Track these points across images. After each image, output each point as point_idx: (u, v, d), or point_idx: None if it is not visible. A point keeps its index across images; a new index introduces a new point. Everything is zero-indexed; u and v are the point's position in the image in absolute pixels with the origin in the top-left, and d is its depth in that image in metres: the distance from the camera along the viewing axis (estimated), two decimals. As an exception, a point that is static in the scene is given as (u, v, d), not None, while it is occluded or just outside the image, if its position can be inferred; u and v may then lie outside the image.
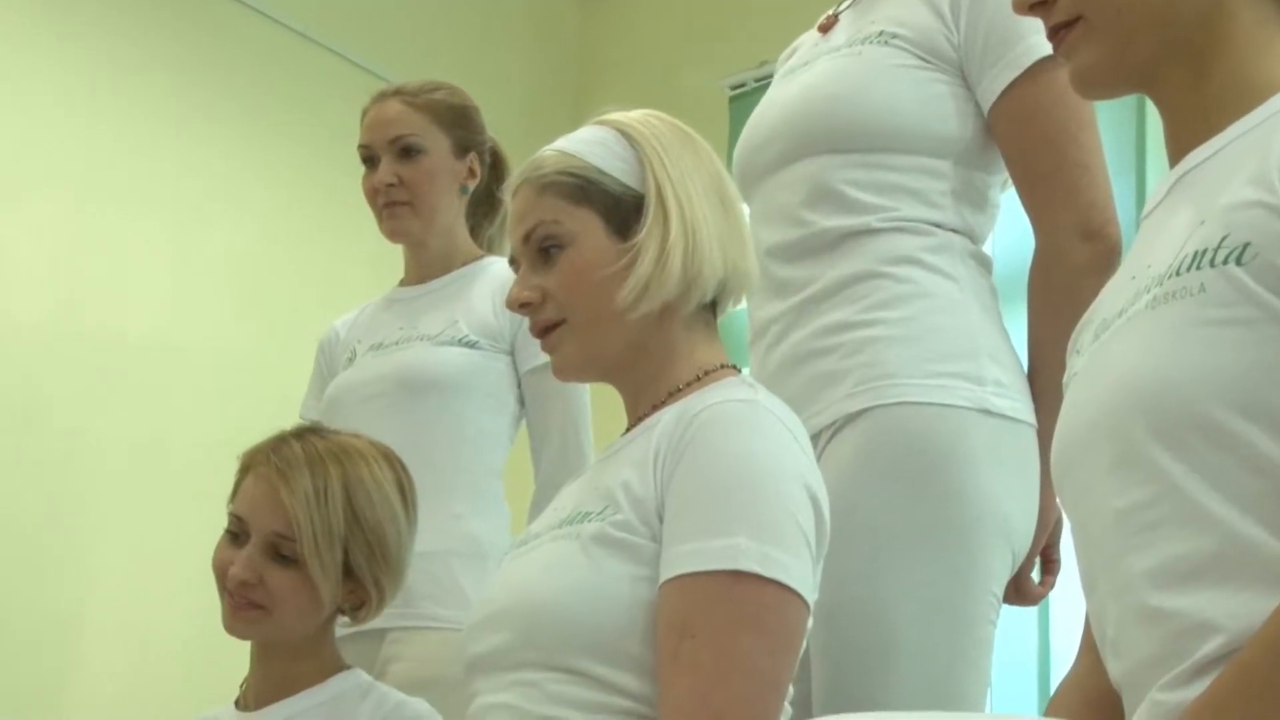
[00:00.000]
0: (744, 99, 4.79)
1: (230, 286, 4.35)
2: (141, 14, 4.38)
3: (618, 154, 1.98)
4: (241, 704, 2.37)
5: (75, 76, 4.24)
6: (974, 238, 2.32)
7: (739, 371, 2.01)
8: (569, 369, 2.04)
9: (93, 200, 4.23)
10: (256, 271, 4.37)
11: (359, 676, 2.38)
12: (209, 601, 2.33)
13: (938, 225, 2.26)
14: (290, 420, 2.50)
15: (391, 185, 2.94)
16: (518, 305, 2.00)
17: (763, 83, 4.56)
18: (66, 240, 4.17)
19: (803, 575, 1.78)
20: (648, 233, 1.92)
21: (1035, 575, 2.33)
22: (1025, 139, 2.23)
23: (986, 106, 2.25)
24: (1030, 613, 3.45)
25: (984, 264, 2.33)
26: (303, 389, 3.15)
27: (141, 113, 4.33)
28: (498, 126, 3.12)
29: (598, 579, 1.83)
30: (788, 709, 1.82)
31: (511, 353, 2.96)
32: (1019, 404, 2.17)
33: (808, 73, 2.39)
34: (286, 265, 4.36)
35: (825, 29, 2.46)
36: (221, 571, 2.29)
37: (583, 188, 1.96)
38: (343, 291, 3.39)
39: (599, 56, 5.41)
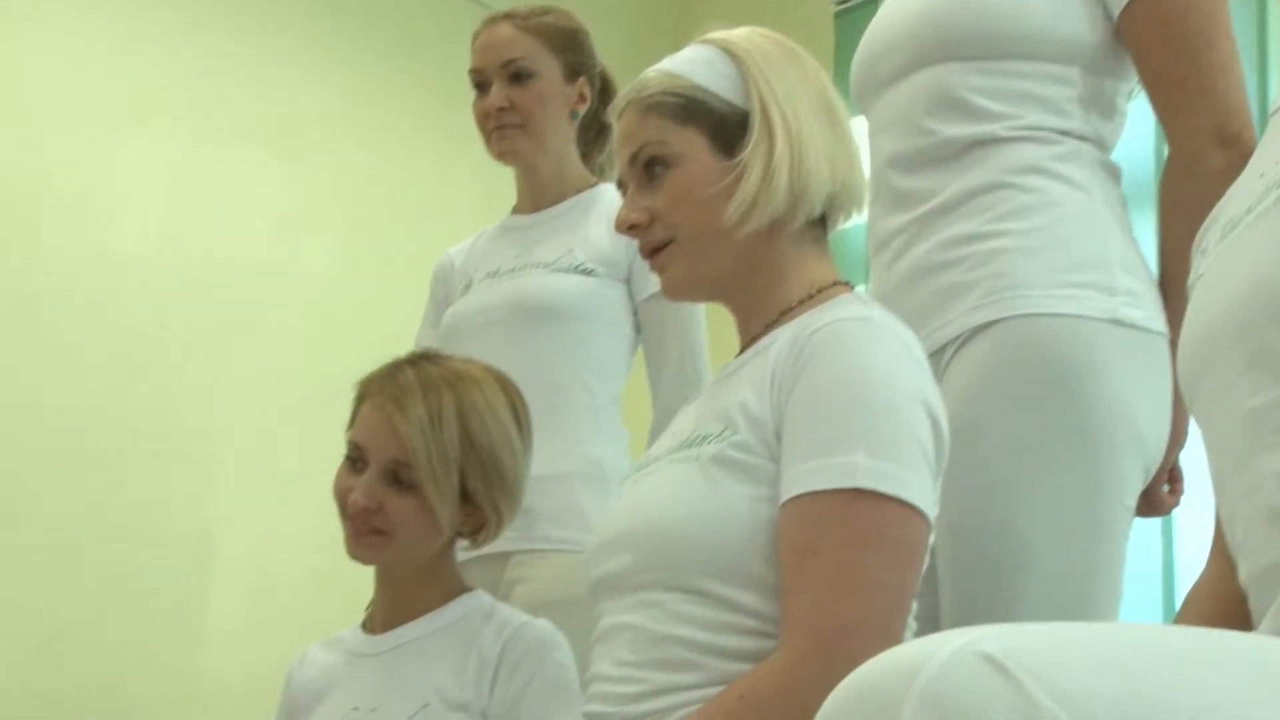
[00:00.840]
0: (850, 15, 4.72)
1: (340, 217, 4.38)
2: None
3: (722, 72, 1.96)
4: (368, 627, 2.41)
5: (185, 13, 4.26)
6: (1103, 146, 2.27)
7: (851, 288, 1.99)
8: (677, 288, 2.03)
9: (204, 135, 4.27)
10: (366, 202, 4.39)
11: (482, 599, 2.40)
12: (332, 528, 2.35)
13: (1066, 133, 2.22)
14: (403, 348, 2.50)
15: (502, 109, 2.94)
16: (626, 227, 2.00)
17: (865, 1, 4.52)
18: (178, 175, 4.22)
19: (922, 491, 1.78)
20: (753, 149, 1.91)
21: (1162, 486, 2.30)
22: (1159, 43, 2.18)
23: (1116, 10, 2.20)
24: (1154, 524, 3.41)
25: (1113, 173, 2.28)
26: (414, 317, 3.16)
27: (250, 47, 4.36)
28: (601, 51, 3.11)
29: (718, 500, 1.83)
30: (912, 624, 1.82)
31: (627, 280, 2.97)
32: (1151, 314, 2.14)
33: None
34: (396, 195, 4.37)
35: None
36: (342, 498, 2.32)
37: (687, 107, 1.95)
38: (452, 221, 3.39)
39: None
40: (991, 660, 1.07)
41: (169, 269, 4.16)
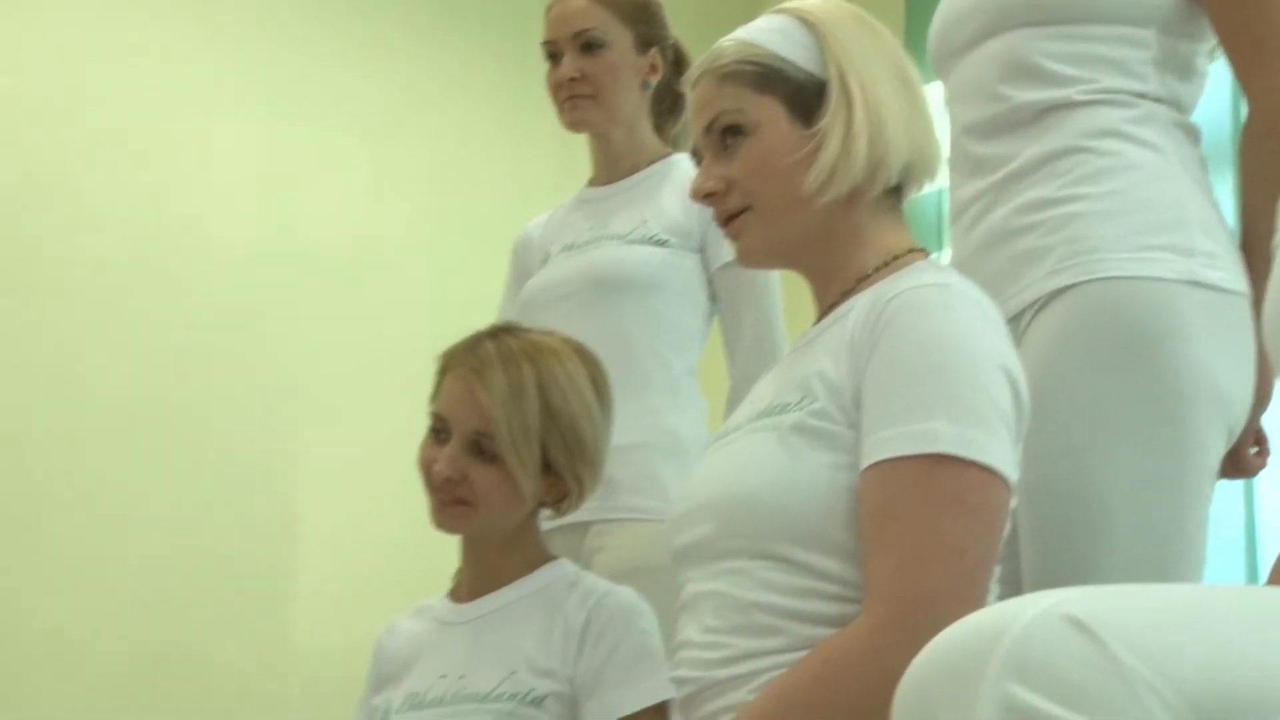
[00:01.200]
0: None
1: (424, 196, 4.41)
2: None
3: (798, 40, 1.96)
4: (455, 596, 2.43)
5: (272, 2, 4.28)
6: (1180, 107, 2.26)
7: (928, 255, 1.99)
8: (753, 255, 2.04)
9: (290, 116, 4.30)
10: (446, 178, 4.42)
11: (566, 567, 2.41)
12: (417, 499, 2.37)
13: (1141, 96, 2.21)
14: (484, 321, 2.51)
15: (574, 79, 2.95)
16: (702, 196, 2.00)
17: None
18: (266, 154, 4.25)
19: (1002, 455, 1.78)
20: (831, 118, 1.91)
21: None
22: (1234, 2, 2.16)
23: None
24: (1236, 487, 3.39)
25: (1191, 134, 2.27)
26: (496, 290, 3.18)
27: (333, 29, 4.38)
28: (673, 22, 3.11)
29: (797, 468, 1.84)
30: (995, 587, 1.82)
31: (701, 250, 2.96)
32: (1230, 275, 2.12)
33: None
34: (475, 170, 4.39)
35: None
36: (427, 469, 2.34)
37: (764, 75, 1.95)
38: (530, 195, 3.40)
39: None
40: (1075, 621, 1.09)
41: (257, 247, 4.21)
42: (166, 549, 3.94)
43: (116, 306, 3.96)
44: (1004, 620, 1.13)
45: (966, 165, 2.30)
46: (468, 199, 4.35)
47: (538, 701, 2.26)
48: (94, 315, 3.93)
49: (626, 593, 2.36)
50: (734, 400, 2.79)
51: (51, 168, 3.94)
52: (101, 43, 4.04)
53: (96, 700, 3.80)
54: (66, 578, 3.82)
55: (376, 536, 3.97)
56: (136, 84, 4.08)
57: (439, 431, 2.34)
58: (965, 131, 2.30)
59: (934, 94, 2.25)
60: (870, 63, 1.95)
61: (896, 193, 2.00)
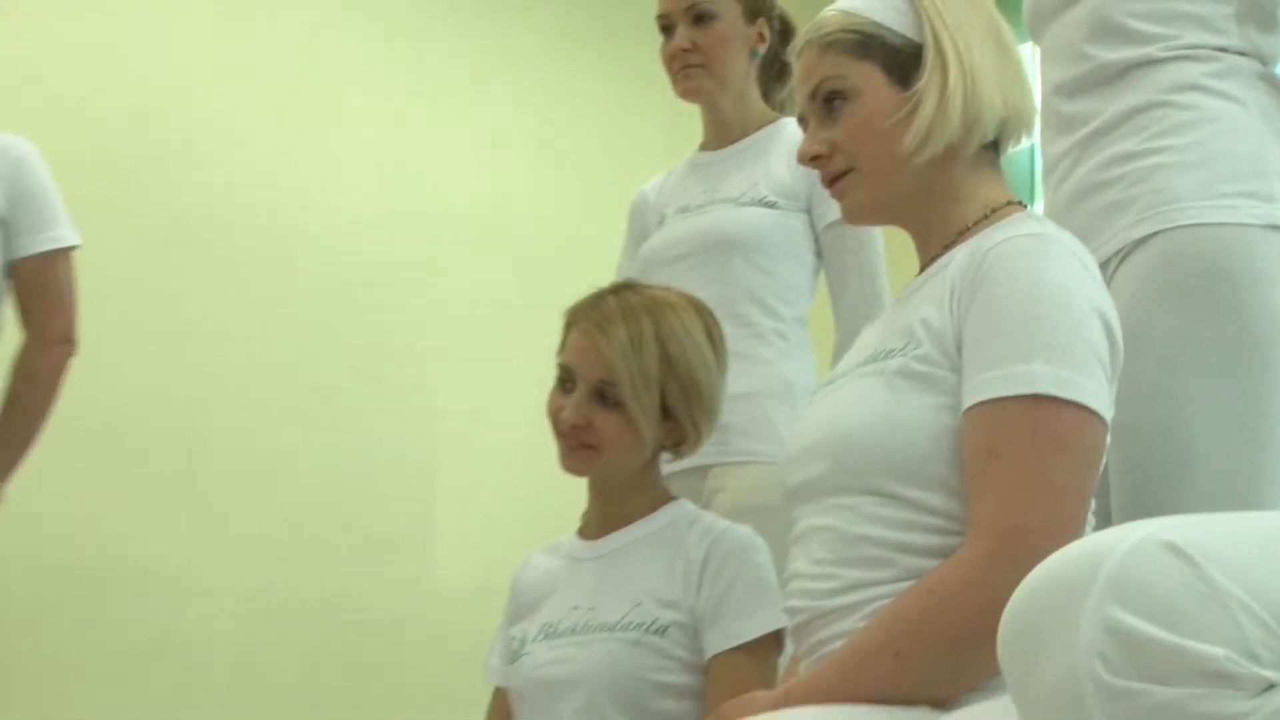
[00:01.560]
0: None
1: (542, 161, 4.40)
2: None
3: (895, 7, 1.95)
4: (584, 534, 2.47)
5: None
6: (1263, 59, 2.21)
7: (1025, 207, 1.98)
8: (858, 213, 2.03)
9: (413, 89, 4.31)
10: (563, 145, 4.41)
11: (686, 507, 2.45)
12: (546, 445, 2.41)
13: (1222, 50, 2.17)
14: (604, 279, 2.54)
15: (686, 50, 2.95)
16: (808, 159, 2.00)
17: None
18: (390, 126, 4.26)
19: (1099, 395, 1.77)
20: (928, 80, 1.90)
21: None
22: None
23: None
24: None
25: (1273, 85, 2.21)
26: (611, 250, 3.19)
27: (454, 11, 4.38)
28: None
29: (903, 409, 1.84)
30: (1091, 519, 1.82)
31: (808, 210, 2.96)
32: None
33: None
34: (591, 138, 4.39)
35: None
36: (555, 417, 2.39)
37: (864, 43, 1.94)
38: (642, 159, 3.41)
39: None
40: (1172, 547, 1.11)
41: (387, 211, 4.22)
42: (315, 498, 3.99)
43: (261, 269, 4.00)
44: (1104, 548, 1.15)
45: (1056, 123, 2.29)
46: (583, 165, 4.35)
47: (662, 630, 2.29)
48: (241, 278, 3.97)
49: (743, 530, 2.40)
50: (840, 350, 2.81)
51: (197, 140, 3.96)
52: (240, 24, 4.07)
53: (255, 638, 3.85)
54: (225, 526, 3.87)
55: (509, 481, 3.99)
56: (268, 64, 4.11)
57: (566, 381, 2.39)
58: (1055, 90, 2.29)
59: (1029, 55, 2.25)
60: (965, 26, 1.94)
61: (994, 148, 2.00)
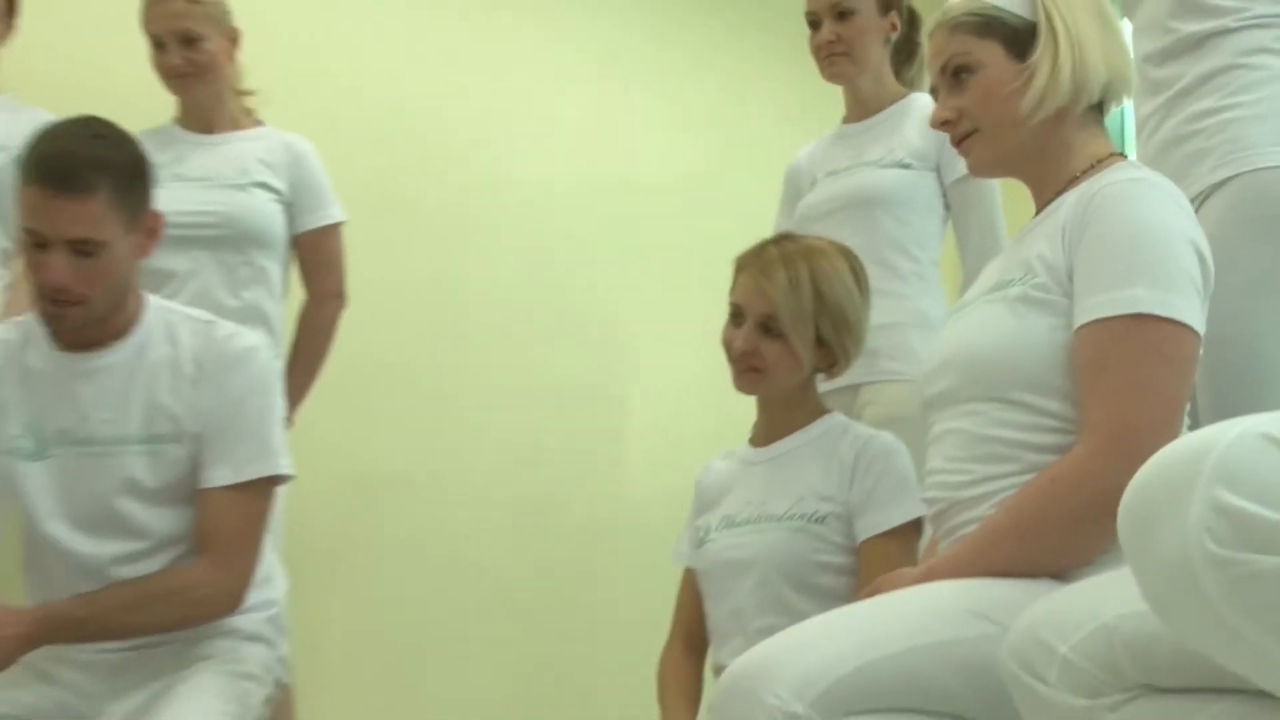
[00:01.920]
0: None
1: (714, 137, 4.39)
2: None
3: None
4: (754, 443, 2.49)
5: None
6: None
7: (1125, 158, 1.96)
8: (982, 167, 2.02)
9: (604, 77, 4.30)
10: (729, 122, 4.38)
11: (839, 418, 2.46)
12: (722, 371, 2.44)
13: None
14: (763, 233, 2.55)
15: (831, 42, 2.96)
16: (939, 123, 2.00)
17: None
18: (584, 110, 4.26)
19: (1193, 313, 1.76)
20: (1041, 53, 1.89)
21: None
22: None
23: None
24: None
25: None
26: (766, 208, 3.19)
27: (639, 7, 4.38)
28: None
29: (1023, 328, 1.84)
30: (1186, 420, 1.79)
31: (937, 169, 2.95)
32: None
33: None
34: (752, 116, 4.36)
35: None
36: (727, 346, 2.41)
37: (986, 24, 1.93)
38: (791, 132, 3.39)
39: None
40: (1270, 438, 1.11)
41: (587, 186, 4.22)
42: (535, 421, 4.02)
43: (486, 229, 4.03)
44: (1209, 440, 1.14)
45: (1146, 87, 2.25)
46: (745, 137, 4.32)
47: (821, 519, 2.31)
48: (470, 240, 4.00)
49: (887, 436, 2.40)
50: (966, 284, 2.77)
51: (432, 127, 3.99)
52: (452, 22, 4.09)
53: (492, 534, 3.90)
54: (469, 444, 3.93)
55: (690, 401, 3.97)
56: (481, 59, 4.10)
57: (736, 317, 2.41)
58: (1145, 59, 2.25)
59: (1127, 28, 2.24)
60: (1073, 5, 1.92)
61: (1098, 109, 1.97)
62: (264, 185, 3.04)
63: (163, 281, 2.87)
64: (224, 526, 2.25)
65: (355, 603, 3.62)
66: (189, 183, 2.98)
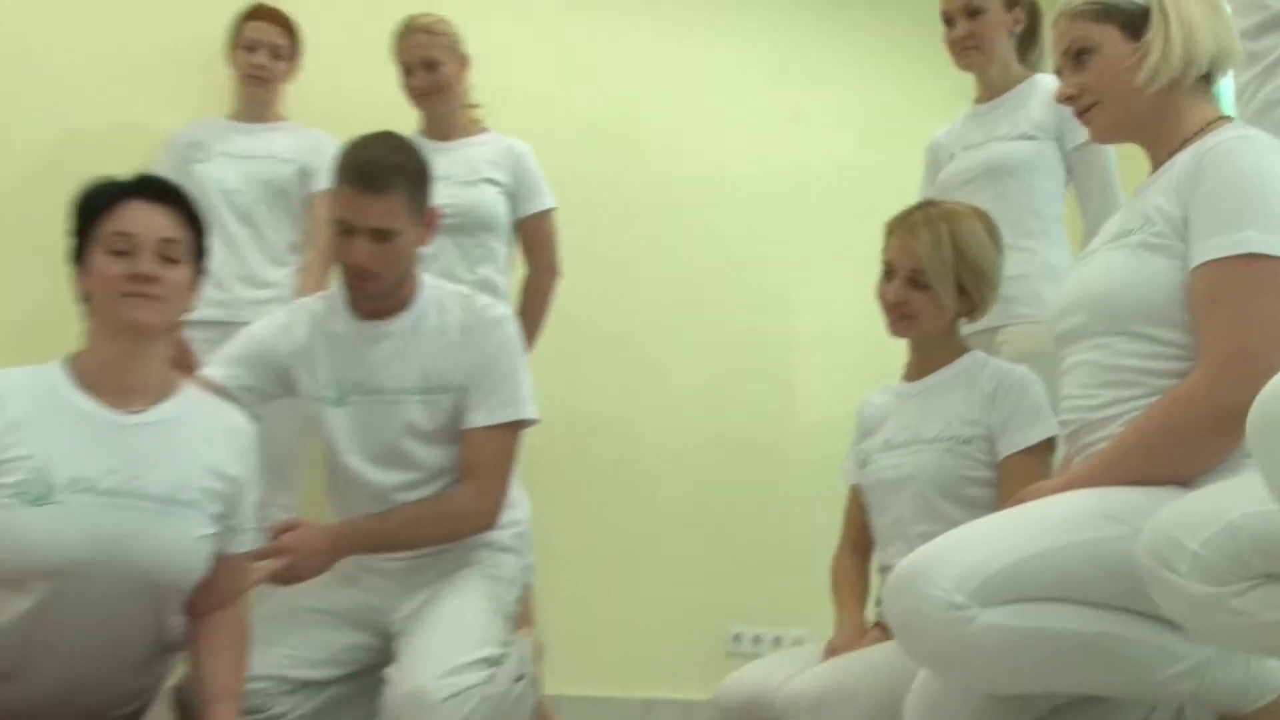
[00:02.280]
0: None
1: (862, 125, 4.31)
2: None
3: None
4: (906, 378, 2.47)
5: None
6: None
7: (1232, 120, 1.90)
8: (1103, 134, 1.97)
9: (777, 81, 4.26)
10: (875, 113, 4.30)
11: (980, 355, 2.44)
12: (877, 319, 2.42)
13: None
14: (903, 202, 2.52)
15: (964, 37, 2.91)
16: (1064, 99, 1.96)
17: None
18: (760, 111, 4.22)
19: None
20: (1154, 33, 1.84)
21: None
22: None
23: None
24: None
25: None
26: (911, 184, 3.13)
27: (801, 22, 4.32)
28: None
29: (1144, 269, 1.80)
30: None
31: (1058, 139, 2.87)
32: None
33: None
34: (897, 106, 4.27)
35: None
36: (881, 298, 2.40)
37: (1104, 11, 1.88)
38: (930, 116, 3.32)
39: None
40: None
41: (768, 172, 4.20)
42: (715, 367, 4.02)
43: (671, 211, 4.03)
44: None
45: (1244, 61, 2.18)
46: (892, 125, 4.23)
47: (967, 441, 2.30)
48: (660, 218, 4.02)
49: (1022, 368, 2.38)
50: (1087, 239, 2.73)
51: (627, 128, 4.01)
52: (660, 43, 4.10)
53: (683, 463, 3.94)
54: (661, 385, 3.96)
55: (847, 348, 3.90)
56: (677, 67, 4.11)
57: (889, 273, 2.39)
58: (1241, 35, 2.17)
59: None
60: None
61: (1207, 79, 1.90)
62: (490, 181, 3.13)
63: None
64: (482, 460, 2.37)
65: (576, 521, 3.67)
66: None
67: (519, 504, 2.55)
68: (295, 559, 2.26)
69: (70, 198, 2.06)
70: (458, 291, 2.48)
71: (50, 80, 3.22)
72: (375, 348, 2.39)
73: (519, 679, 2.33)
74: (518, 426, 2.40)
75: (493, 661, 2.23)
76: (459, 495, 2.37)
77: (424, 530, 2.35)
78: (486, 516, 2.38)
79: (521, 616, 2.54)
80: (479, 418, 2.36)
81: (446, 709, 2.09)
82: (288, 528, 2.30)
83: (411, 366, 2.37)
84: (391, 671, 2.19)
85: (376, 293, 2.36)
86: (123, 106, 3.28)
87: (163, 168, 3.04)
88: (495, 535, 2.44)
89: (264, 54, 3.19)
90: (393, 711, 2.14)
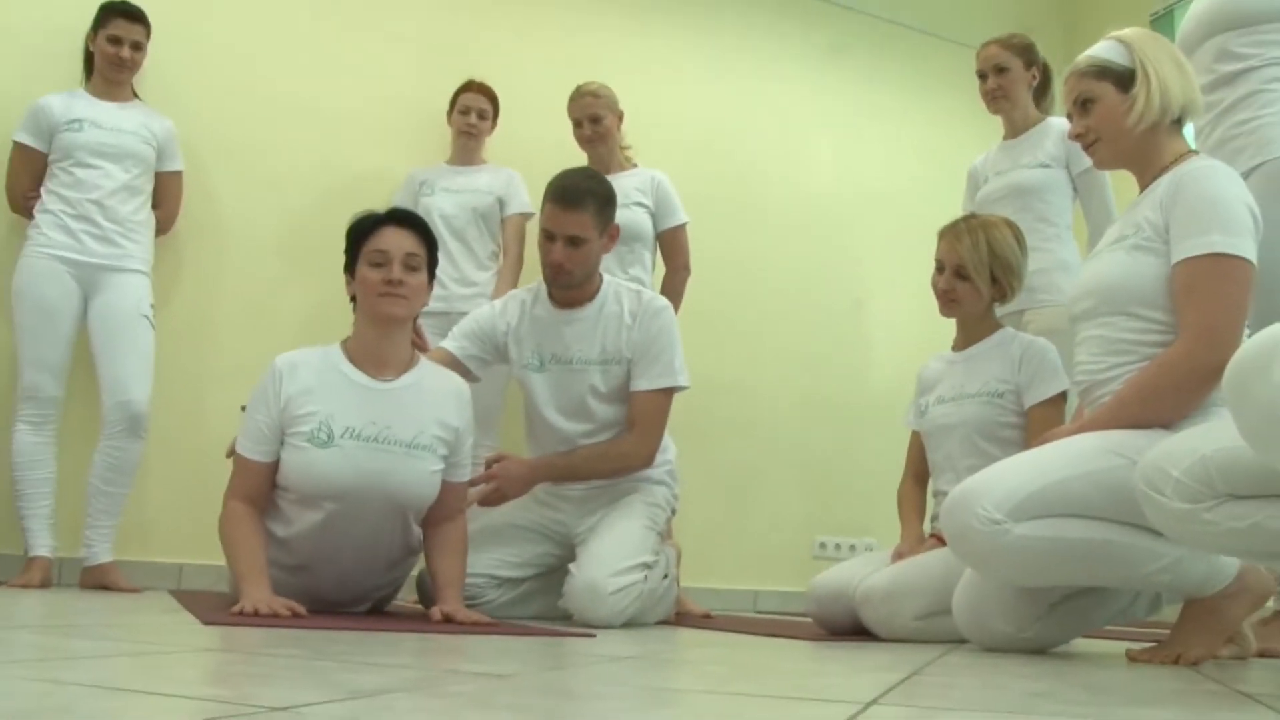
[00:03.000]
0: (1158, 21, 4.07)
1: (921, 155, 4.23)
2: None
3: (1119, 51, 1.89)
4: (954, 348, 2.43)
5: (824, 67, 4.26)
6: None
7: (1199, 153, 1.89)
8: (1103, 163, 1.96)
9: (857, 117, 4.23)
10: (932, 146, 4.22)
11: (1010, 330, 2.40)
12: (931, 305, 2.41)
13: None
14: (950, 215, 2.51)
15: (994, 89, 2.89)
16: (1074, 136, 1.95)
17: (1165, 12, 4.05)
18: (844, 138, 4.20)
19: (1251, 251, 1.72)
20: (1139, 89, 1.85)
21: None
22: None
23: None
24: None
25: None
26: (956, 201, 3.10)
27: (871, 79, 4.29)
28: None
29: (1138, 266, 1.80)
30: (1247, 328, 1.72)
31: (1066, 166, 2.82)
32: None
33: None
34: (946, 141, 4.17)
35: None
36: (935, 287, 2.37)
37: (1102, 71, 1.88)
38: (970, 150, 3.27)
39: (1076, 18, 4.76)
40: None
41: (843, 197, 4.16)
42: (811, 338, 4.01)
43: (775, 219, 4.01)
44: (1274, 333, 1.17)
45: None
46: (940, 156, 4.14)
47: (1000, 395, 2.28)
48: (768, 225, 4.00)
49: (1044, 341, 2.34)
50: (1091, 242, 2.70)
51: (744, 154, 4.00)
52: (764, 92, 4.08)
53: (788, 414, 3.96)
54: (770, 353, 3.95)
55: (913, 325, 3.71)
56: (777, 107, 4.09)
57: (939, 268, 2.37)
58: (1199, 91, 2.15)
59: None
60: (1159, 58, 1.86)
61: (1178, 123, 1.89)
62: (639, 204, 3.13)
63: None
64: (644, 415, 2.42)
65: (706, 458, 3.69)
66: (595, 207, 3.12)
67: (669, 448, 2.58)
68: (503, 483, 2.35)
69: (344, 226, 2.14)
70: (630, 286, 2.51)
71: (315, 143, 3.32)
72: (568, 328, 2.44)
73: (665, 577, 2.42)
74: (672, 391, 2.44)
75: (648, 566, 2.31)
76: (626, 441, 2.41)
77: (599, 465, 2.41)
78: (645, 458, 2.42)
79: (667, 531, 2.59)
80: (643, 383, 2.40)
81: (613, 600, 2.20)
82: (498, 459, 2.39)
83: (594, 343, 2.41)
84: (573, 569, 2.27)
85: (569, 285, 2.40)
86: (375, 159, 3.38)
87: (402, 198, 3.18)
88: (650, 471, 2.48)
89: (474, 116, 3.26)
90: (573, 598, 2.23)
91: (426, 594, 2.33)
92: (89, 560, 2.70)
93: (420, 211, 2.89)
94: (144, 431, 2.73)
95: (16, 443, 2.66)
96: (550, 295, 2.46)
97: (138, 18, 2.87)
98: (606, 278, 2.50)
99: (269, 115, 3.25)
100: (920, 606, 2.08)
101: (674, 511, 2.59)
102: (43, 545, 2.64)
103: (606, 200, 2.40)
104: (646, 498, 2.45)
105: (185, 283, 3.13)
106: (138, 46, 2.87)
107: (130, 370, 2.71)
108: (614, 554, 2.25)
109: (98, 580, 2.68)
